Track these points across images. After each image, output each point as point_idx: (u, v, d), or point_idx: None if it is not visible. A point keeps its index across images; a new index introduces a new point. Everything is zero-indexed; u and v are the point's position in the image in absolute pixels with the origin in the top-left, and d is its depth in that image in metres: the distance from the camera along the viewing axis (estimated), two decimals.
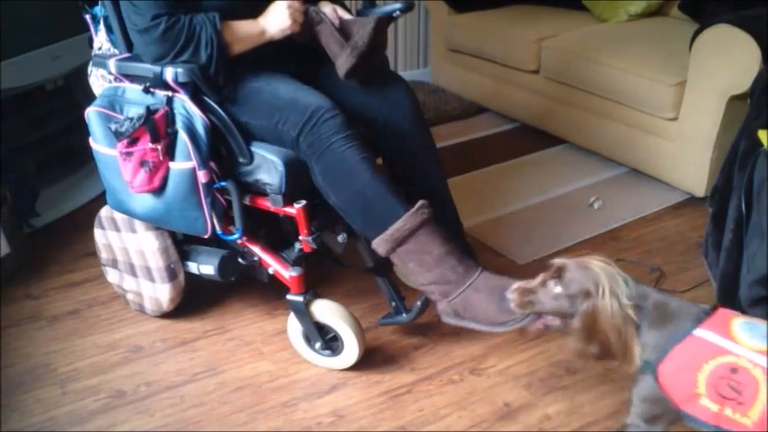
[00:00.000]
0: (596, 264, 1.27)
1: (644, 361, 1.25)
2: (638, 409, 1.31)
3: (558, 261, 1.31)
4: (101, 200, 1.94)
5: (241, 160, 1.65)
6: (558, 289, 1.29)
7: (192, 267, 1.83)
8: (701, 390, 1.18)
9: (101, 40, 1.82)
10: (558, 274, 1.29)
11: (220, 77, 1.62)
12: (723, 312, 1.25)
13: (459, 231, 1.85)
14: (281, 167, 1.60)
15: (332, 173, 1.59)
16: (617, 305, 1.23)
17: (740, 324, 1.22)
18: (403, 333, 1.87)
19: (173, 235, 1.84)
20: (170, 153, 1.62)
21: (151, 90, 1.63)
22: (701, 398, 1.19)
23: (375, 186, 1.58)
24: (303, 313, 1.68)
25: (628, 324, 1.23)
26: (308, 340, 1.74)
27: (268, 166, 1.62)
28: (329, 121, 1.56)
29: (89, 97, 1.80)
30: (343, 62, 1.65)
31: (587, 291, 1.25)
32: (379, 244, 1.59)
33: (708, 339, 1.20)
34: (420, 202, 1.59)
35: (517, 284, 1.34)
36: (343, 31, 1.69)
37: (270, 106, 1.61)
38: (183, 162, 1.61)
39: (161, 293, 1.86)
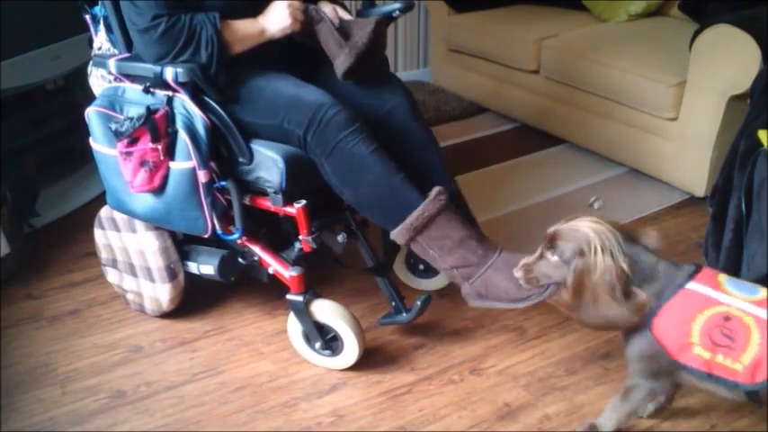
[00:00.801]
0: (586, 224, 1.30)
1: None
2: (636, 367, 1.35)
3: (549, 230, 1.34)
4: (101, 200, 1.94)
5: (241, 160, 1.65)
6: (555, 258, 1.32)
7: (192, 267, 1.83)
8: (695, 339, 1.24)
9: (101, 40, 1.82)
10: (552, 243, 1.32)
11: (221, 77, 1.62)
12: (708, 270, 1.31)
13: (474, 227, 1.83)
14: (281, 164, 1.61)
15: (343, 170, 1.59)
16: (610, 260, 1.26)
17: (726, 280, 1.29)
18: (403, 333, 1.87)
19: (173, 235, 1.84)
20: (170, 153, 1.62)
21: (151, 90, 1.63)
22: (694, 347, 1.24)
23: (387, 178, 1.58)
24: (303, 313, 1.68)
25: (622, 278, 1.26)
26: (308, 340, 1.74)
27: (268, 163, 1.62)
28: (334, 117, 1.56)
29: (89, 97, 1.80)
30: (341, 62, 1.66)
31: (580, 251, 1.28)
32: (399, 234, 1.59)
33: (700, 291, 1.26)
34: (436, 189, 1.59)
35: (521, 262, 1.38)
36: (343, 31, 1.69)
37: (273, 105, 1.61)
38: (184, 162, 1.61)
39: (161, 293, 1.86)
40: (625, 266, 1.26)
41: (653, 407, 1.53)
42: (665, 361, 1.29)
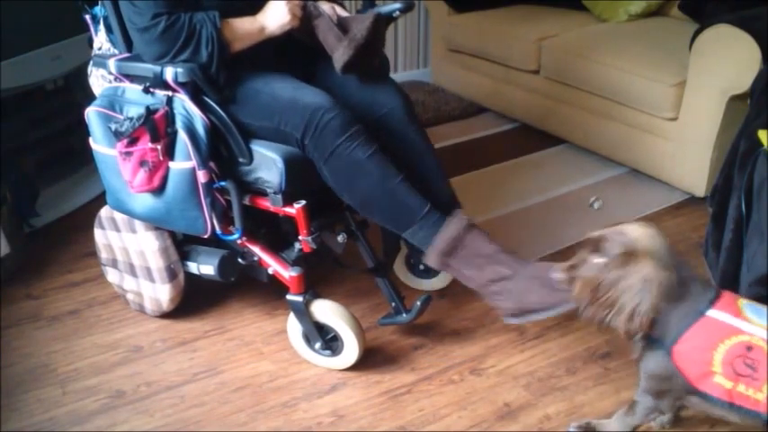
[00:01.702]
0: (633, 227, 1.27)
1: (654, 339, 1.28)
2: (647, 384, 1.34)
3: (594, 235, 1.29)
4: (101, 200, 1.94)
5: (241, 160, 1.65)
6: (601, 260, 1.27)
7: (192, 267, 1.83)
8: (716, 368, 1.22)
9: (101, 40, 1.83)
10: (597, 246, 1.28)
11: (221, 76, 1.62)
12: (728, 295, 1.29)
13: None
14: (280, 165, 1.60)
15: (341, 175, 1.59)
16: (652, 268, 1.22)
17: (746, 305, 1.26)
18: (403, 333, 1.87)
19: (172, 235, 1.84)
20: (170, 153, 1.62)
21: (151, 90, 1.63)
22: (715, 375, 1.23)
23: (385, 183, 1.59)
24: (303, 313, 1.68)
25: (658, 288, 1.23)
26: (308, 340, 1.74)
27: (268, 163, 1.62)
28: (331, 122, 1.56)
29: (89, 97, 1.80)
30: (340, 55, 1.65)
31: (630, 251, 1.24)
32: (431, 260, 1.60)
33: (722, 320, 1.24)
34: (457, 212, 1.61)
35: (559, 267, 1.34)
36: (342, 27, 1.69)
37: (270, 108, 1.61)
38: (183, 162, 1.61)
39: (161, 294, 1.86)
40: (667, 276, 1.22)
41: (666, 420, 1.52)
42: (679, 384, 1.28)
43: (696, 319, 1.25)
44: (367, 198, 1.61)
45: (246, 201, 1.72)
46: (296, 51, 1.79)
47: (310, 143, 1.58)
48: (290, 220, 1.71)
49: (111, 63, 1.68)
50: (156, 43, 1.58)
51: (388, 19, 1.73)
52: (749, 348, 1.21)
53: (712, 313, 1.24)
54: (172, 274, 1.83)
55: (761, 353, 1.20)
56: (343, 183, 1.60)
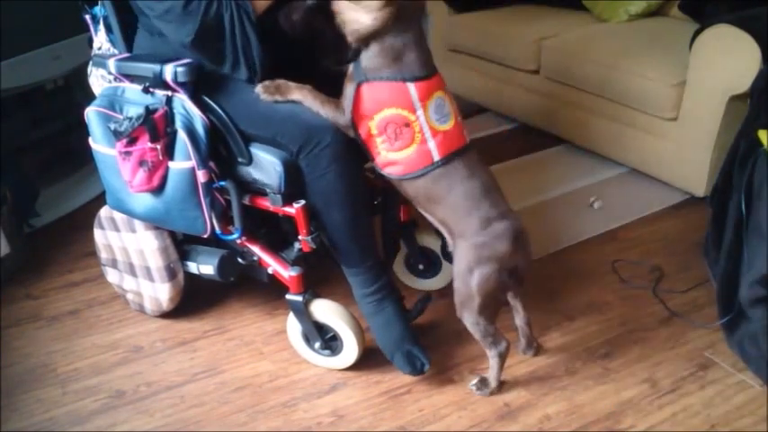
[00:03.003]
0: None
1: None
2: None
3: None
4: (101, 200, 1.94)
5: (240, 160, 1.65)
6: None
7: (192, 267, 1.83)
8: (375, 114, 1.50)
9: (101, 40, 1.83)
10: None
11: (253, 53, 1.54)
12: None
13: None
14: (279, 168, 1.60)
15: (320, 196, 1.62)
16: None
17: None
18: None
19: (172, 235, 1.84)
20: (169, 152, 1.62)
21: (151, 90, 1.63)
22: (371, 120, 1.51)
23: (351, 224, 1.64)
24: (302, 313, 1.68)
25: None
26: (308, 340, 1.74)
27: (267, 166, 1.62)
28: (328, 148, 1.56)
29: (89, 97, 1.80)
30: None
31: None
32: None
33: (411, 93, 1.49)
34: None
35: None
36: None
37: (268, 117, 1.60)
38: (183, 162, 1.61)
39: (160, 293, 1.86)
40: None
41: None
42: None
43: (390, 81, 1.47)
44: (332, 225, 1.64)
45: (246, 200, 1.72)
46: (295, 53, 1.77)
47: (304, 159, 1.58)
48: (289, 219, 1.71)
49: (111, 63, 1.68)
50: (178, 22, 1.51)
51: None
52: (407, 125, 1.48)
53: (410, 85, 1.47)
54: (171, 274, 1.83)
55: (411, 133, 1.48)
56: (320, 202, 1.63)
